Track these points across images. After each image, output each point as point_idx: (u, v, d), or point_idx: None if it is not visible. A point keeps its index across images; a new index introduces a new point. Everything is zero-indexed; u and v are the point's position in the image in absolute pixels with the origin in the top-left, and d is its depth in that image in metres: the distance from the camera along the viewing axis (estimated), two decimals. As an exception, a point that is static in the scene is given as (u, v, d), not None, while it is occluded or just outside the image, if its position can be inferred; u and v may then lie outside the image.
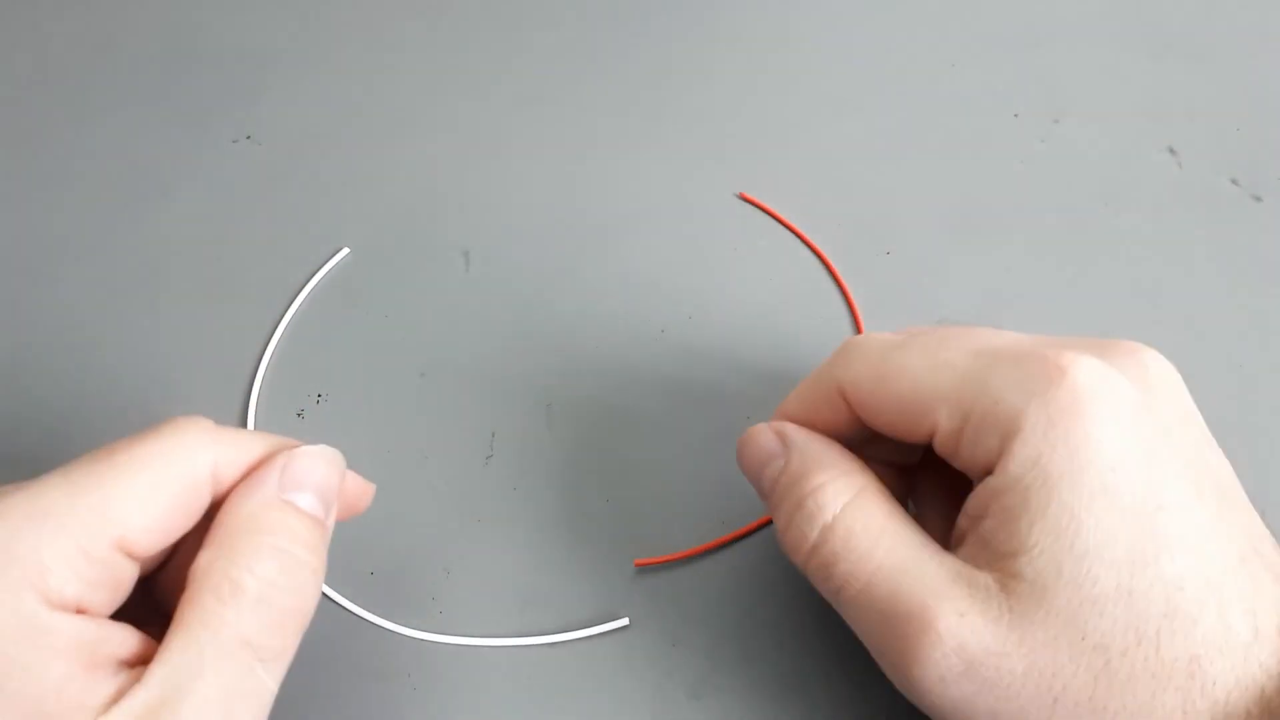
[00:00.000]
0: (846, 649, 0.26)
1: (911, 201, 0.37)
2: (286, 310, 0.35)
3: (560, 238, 0.37)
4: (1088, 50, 0.43)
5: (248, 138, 0.41)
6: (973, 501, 0.22)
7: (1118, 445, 0.21)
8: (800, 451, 0.24)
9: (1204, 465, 0.22)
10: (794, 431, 0.25)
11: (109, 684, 0.19)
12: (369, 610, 0.28)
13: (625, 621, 0.28)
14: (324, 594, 0.28)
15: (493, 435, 0.32)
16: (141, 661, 0.20)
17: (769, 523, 0.29)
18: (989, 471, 0.21)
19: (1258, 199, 0.37)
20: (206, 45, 0.44)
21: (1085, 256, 0.36)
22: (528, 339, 0.34)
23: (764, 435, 0.25)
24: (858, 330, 0.34)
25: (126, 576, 0.21)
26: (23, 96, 0.42)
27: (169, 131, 0.41)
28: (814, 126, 0.40)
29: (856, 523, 0.22)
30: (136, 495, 0.21)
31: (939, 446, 0.23)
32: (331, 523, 0.23)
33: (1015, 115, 0.40)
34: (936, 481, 0.26)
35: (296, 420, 0.32)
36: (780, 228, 0.37)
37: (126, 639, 0.20)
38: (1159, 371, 0.22)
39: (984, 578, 0.21)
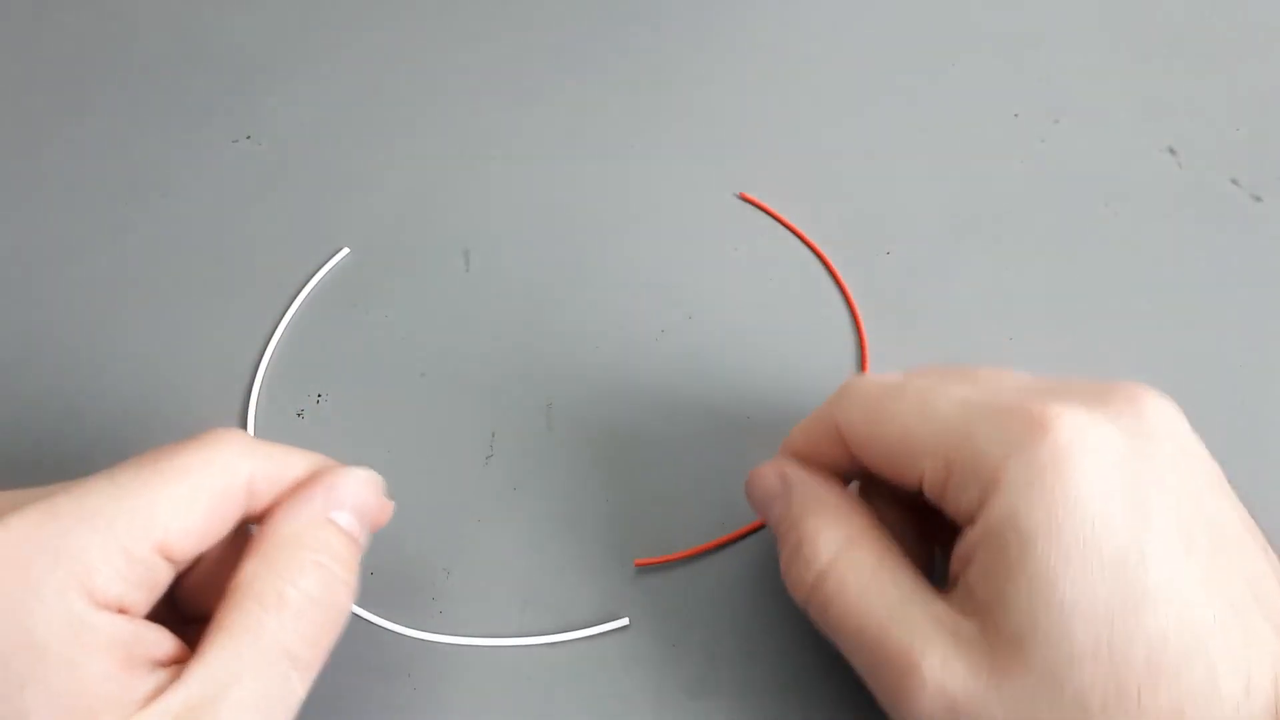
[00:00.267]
0: (846, 649, 0.26)
1: (911, 201, 0.37)
2: (286, 310, 0.35)
3: (560, 238, 0.37)
4: (1088, 50, 0.43)
5: (248, 138, 0.41)
6: (960, 548, 0.22)
7: (1100, 499, 0.20)
8: (800, 494, 0.25)
9: (1200, 512, 0.21)
10: (794, 473, 0.25)
11: (146, 682, 0.20)
12: (369, 610, 0.28)
13: (625, 621, 0.28)
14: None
15: (493, 435, 0.32)
16: (174, 662, 0.21)
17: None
18: (973, 521, 0.22)
19: (1258, 199, 0.37)
20: (206, 45, 0.44)
21: (1085, 256, 0.36)
22: (528, 339, 0.34)
23: (768, 477, 0.26)
24: (858, 330, 0.34)
25: (163, 579, 0.21)
26: (23, 96, 0.42)
27: (169, 131, 0.41)
28: (814, 126, 0.40)
29: (849, 571, 0.23)
30: (179, 501, 0.21)
31: (927, 492, 0.23)
32: (365, 542, 0.24)
33: (1015, 115, 0.40)
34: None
35: (296, 420, 0.32)
36: (780, 228, 0.37)
37: (162, 640, 0.21)
38: (1157, 417, 0.22)
39: (968, 626, 0.21)
